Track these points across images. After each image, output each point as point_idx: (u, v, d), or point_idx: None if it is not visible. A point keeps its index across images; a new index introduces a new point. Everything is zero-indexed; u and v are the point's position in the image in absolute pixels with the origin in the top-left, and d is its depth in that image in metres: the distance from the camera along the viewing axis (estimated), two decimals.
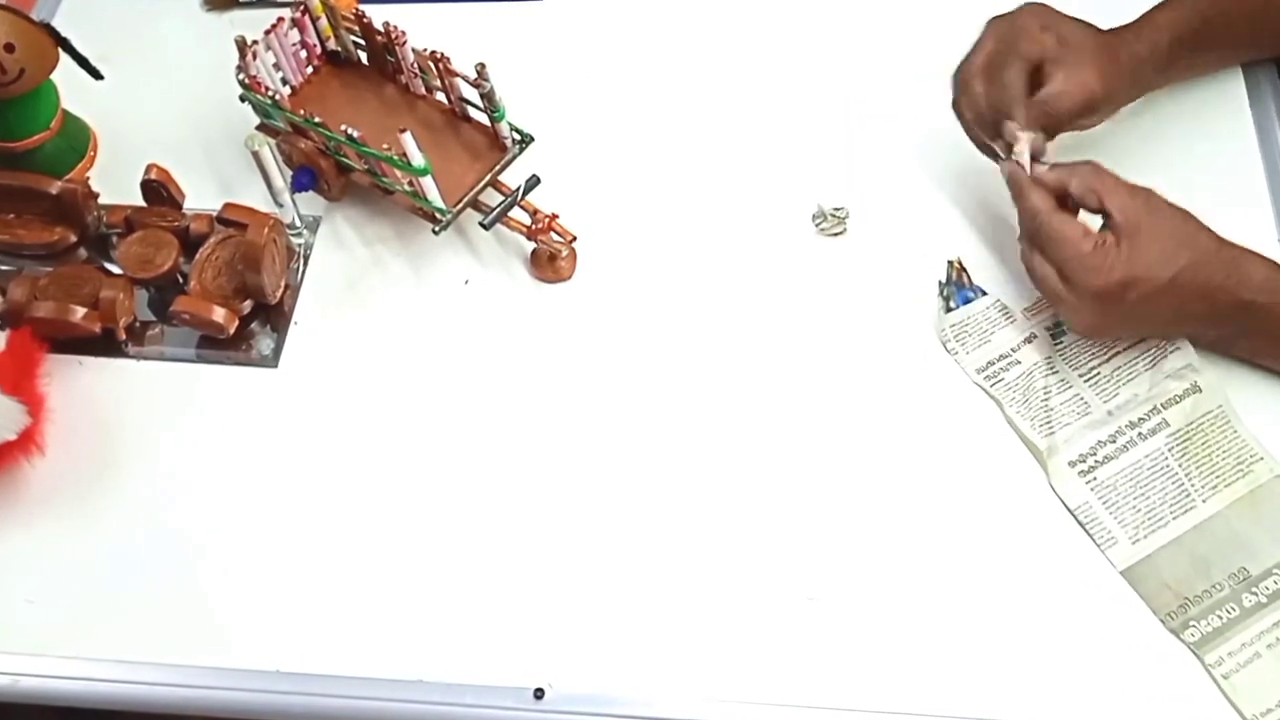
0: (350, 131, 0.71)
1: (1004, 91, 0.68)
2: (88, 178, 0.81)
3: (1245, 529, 0.63)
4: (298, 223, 0.77)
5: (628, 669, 0.62)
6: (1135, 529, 0.64)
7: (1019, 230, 0.67)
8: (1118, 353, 0.69)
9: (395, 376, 0.72)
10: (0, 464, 0.68)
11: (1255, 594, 0.61)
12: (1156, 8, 0.72)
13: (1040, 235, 0.64)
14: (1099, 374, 0.68)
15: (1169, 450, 0.65)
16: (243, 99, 0.77)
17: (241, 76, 0.75)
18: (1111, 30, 0.71)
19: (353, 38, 0.79)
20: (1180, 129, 0.77)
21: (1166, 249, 0.61)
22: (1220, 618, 0.61)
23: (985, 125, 0.70)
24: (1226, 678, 0.60)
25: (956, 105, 0.72)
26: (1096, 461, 0.65)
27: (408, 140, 0.68)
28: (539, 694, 0.61)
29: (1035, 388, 0.68)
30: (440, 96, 0.78)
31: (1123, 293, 0.62)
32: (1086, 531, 0.64)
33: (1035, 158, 0.67)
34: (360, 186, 0.78)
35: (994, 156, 0.70)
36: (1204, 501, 0.64)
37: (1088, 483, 0.65)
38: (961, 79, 0.71)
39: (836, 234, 0.76)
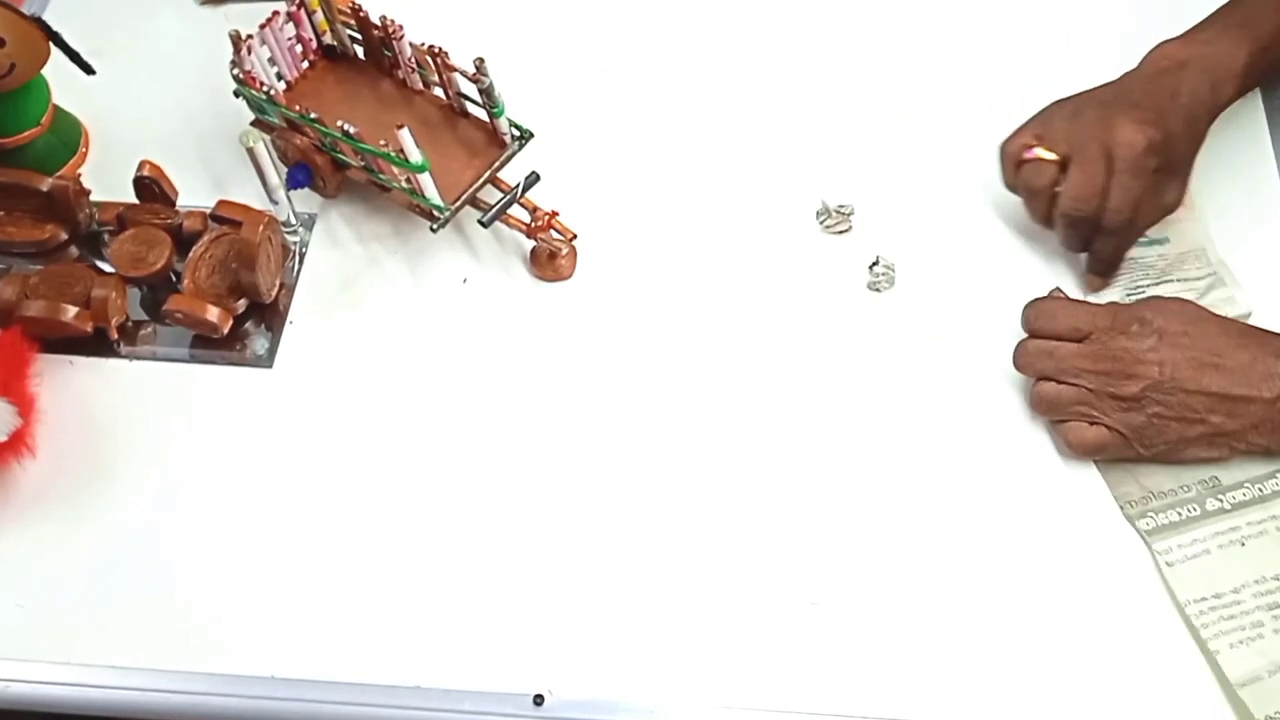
0: (347, 127, 0.70)
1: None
2: (79, 174, 0.80)
3: None
4: (293, 220, 0.76)
5: (629, 675, 0.61)
6: None
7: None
8: None
9: (392, 377, 0.72)
10: None
11: (1220, 500, 0.63)
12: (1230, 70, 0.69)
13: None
14: None
15: None
16: (237, 94, 0.77)
17: (236, 71, 0.74)
18: (1186, 119, 0.68)
19: (349, 32, 0.78)
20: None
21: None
22: (1179, 514, 0.63)
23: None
24: (1170, 565, 0.61)
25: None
26: None
27: (405, 136, 0.68)
28: (539, 700, 0.61)
29: None
30: (438, 92, 0.77)
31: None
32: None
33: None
34: (357, 183, 0.77)
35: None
36: None
37: None
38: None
39: (842, 231, 0.75)
